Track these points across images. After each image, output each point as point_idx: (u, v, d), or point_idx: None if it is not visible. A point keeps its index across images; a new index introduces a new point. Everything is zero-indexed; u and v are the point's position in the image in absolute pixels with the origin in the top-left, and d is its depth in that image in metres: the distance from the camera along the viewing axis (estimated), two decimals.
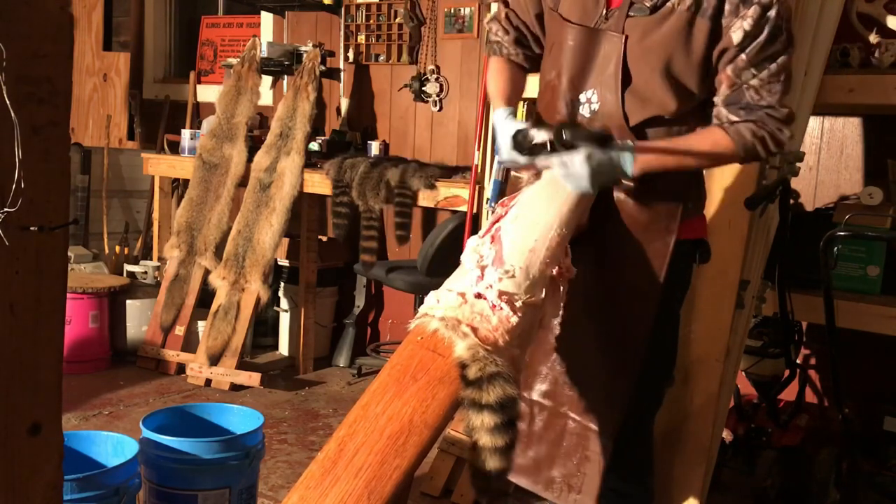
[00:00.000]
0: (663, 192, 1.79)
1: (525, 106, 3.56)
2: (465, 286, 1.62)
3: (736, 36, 1.66)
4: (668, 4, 1.69)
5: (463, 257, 1.73)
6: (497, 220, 1.76)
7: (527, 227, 1.70)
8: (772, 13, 1.65)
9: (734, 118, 1.72)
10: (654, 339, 1.84)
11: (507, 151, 1.78)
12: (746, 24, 1.65)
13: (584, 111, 1.79)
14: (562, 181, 1.69)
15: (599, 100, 1.76)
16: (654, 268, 1.81)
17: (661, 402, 2.03)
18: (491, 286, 1.61)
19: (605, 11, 1.75)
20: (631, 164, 1.69)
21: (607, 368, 1.87)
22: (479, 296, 1.60)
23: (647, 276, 1.81)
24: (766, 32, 1.65)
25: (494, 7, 3.58)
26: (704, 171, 1.98)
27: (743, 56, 1.67)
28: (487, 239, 1.71)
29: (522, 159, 1.76)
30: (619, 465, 1.92)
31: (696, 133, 1.75)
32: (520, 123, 1.79)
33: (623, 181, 1.74)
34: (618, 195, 1.82)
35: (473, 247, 1.72)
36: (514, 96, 1.94)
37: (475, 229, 3.52)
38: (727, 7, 1.67)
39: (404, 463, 1.38)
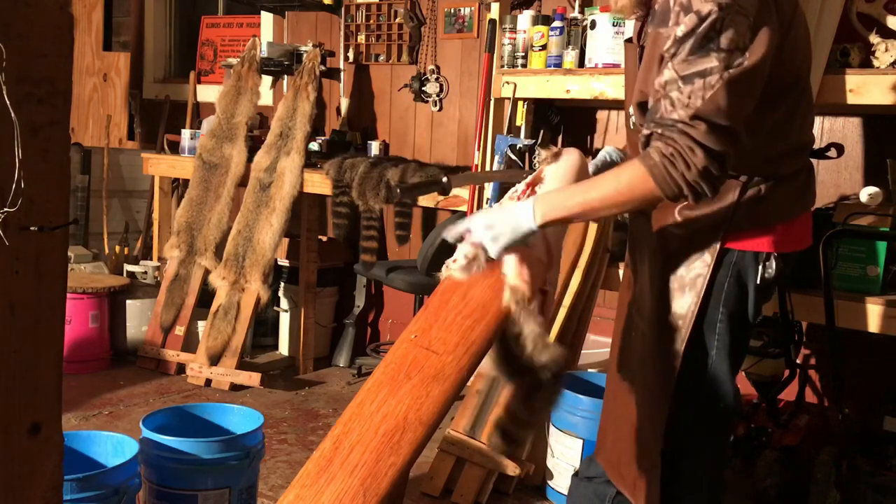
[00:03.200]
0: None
1: (525, 105, 3.56)
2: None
3: (669, 42, 1.54)
4: (646, 30, 1.72)
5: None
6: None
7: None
8: (705, 25, 1.48)
9: (646, 131, 1.55)
10: (696, 366, 1.76)
11: None
12: (679, 30, 1.51)
13: (631, 123, 1.83)
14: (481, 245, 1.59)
15: (634, 111, 1.80)
16: (694, 279, 1.74)
17: (717, 451, 1.89)
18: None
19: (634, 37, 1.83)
20: (530, 216, 1.55)
21: (653, 381, 1.82)
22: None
23: (686, 288, 1.76)
24: (691, 42, 1.49)
25: (495, 7, 3.59)
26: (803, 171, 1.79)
27: (670, 65, 1.53)
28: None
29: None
30: None
31: (605, 172, 1.60)
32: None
33: (529, 236, 1.58)
34: (661, 207, 1.78)
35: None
36: None
37: None
38: (671, 17, 1.55)
39: (399, 460, 1.38)
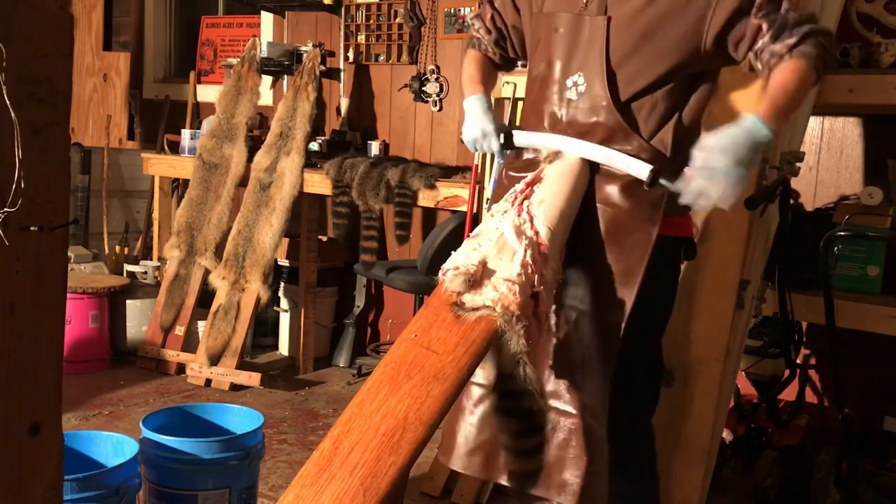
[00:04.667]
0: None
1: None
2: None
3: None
4: None
5: (491, 235, 1.71)
6: (524, 198, 1.75)
7: (554, 212, 1.73)
8: None
9: (792, 40, 1.73)
10: (636, 333, 1.84)
11: (494, 144, 1.94)
12: None
13: (572, 95, 1.85)
14: (713, 194, 1.66)
15: (586, 81, 1.83)
16: (634, 258, 1.80)
17: (656, 400, 2.03)
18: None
19: (584, 1, 1.83)
20: (762, 124, 1.66)
21: (590, 358, 1.87)
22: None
23: (626, 265, 1.81)
24: None
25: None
26: None
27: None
28: (524, 217, 1.71)
29: (501, 155, 1.96)
30: (617, 466, 1.91)
31: (776, 75, 1.74)
32: (492, 120, 1.97)
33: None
34: (604, 186, 1.83)
35: (516, 224, 1.70)
36: (488, 85, 2.08)
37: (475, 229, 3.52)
38: None
39: (399, 460, 1.38)
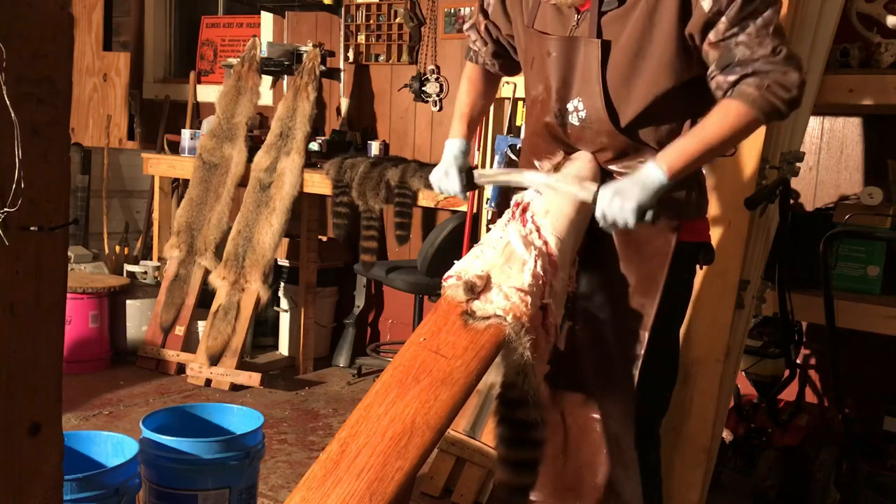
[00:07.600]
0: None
1: (525, 105, 3.56)
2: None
3: (705, 4, 1.62)
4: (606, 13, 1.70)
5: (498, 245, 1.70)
6: (523, 210, 1.74)
7: (560, 220, 1.72)
8: None
9: (732, 78, 1.65)
10: (657, 339, 1.83)
11: (455, 185, 1.95)
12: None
13: (573, 120, 1.81)
14: (604, 220, 1.68)
15: (585, 107, 1.77)
16: (655, 265, 1.80)
17: (667, 406, 2.03)
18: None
19: (576, 17, 1.76)
20: (658, 171, 1.64)
21: (613, 366, 1.86)
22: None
23: (647, 272, 1.81)
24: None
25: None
26: (705, 174, 1.94)
27: (723, 19, 1.62)
28: (530, 227, 1.69)
29: (462, 195, 1.98)
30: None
31: (708, 115, 1.68)
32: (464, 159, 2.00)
33: (661, 192, 1.67)
34: None
35: (522, 235, 1.68)
36: (476, 116, 2.06)
37: (475, 229, 3.52)
38: None
39: (406, 464, 1.38)
